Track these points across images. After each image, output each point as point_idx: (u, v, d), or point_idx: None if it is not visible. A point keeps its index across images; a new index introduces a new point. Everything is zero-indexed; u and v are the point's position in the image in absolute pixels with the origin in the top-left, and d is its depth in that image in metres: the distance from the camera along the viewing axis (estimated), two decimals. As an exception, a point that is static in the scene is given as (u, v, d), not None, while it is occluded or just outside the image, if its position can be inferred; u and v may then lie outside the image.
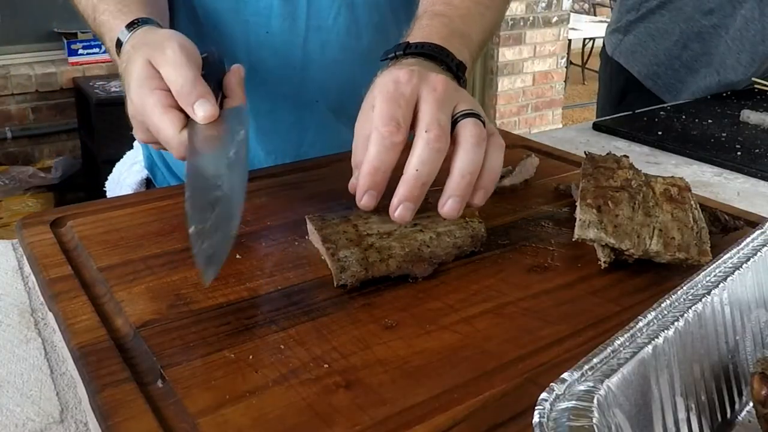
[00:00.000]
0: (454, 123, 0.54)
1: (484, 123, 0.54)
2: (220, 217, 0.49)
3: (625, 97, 1.44)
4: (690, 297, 0.39)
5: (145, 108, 0.53)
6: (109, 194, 0.94)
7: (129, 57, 0.57)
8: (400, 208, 0.51)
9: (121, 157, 0.98)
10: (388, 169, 0.52)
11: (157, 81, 0.54)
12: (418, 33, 0.63)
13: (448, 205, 0.52)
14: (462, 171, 0.52)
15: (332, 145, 0.84)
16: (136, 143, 0.96)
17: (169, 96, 0.54)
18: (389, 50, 0.62)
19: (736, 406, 0.40)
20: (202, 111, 0.53)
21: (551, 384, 0.31)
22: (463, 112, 0.54)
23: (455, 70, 0.60)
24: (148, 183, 0.93)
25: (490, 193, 0.54)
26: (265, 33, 0.79)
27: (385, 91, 0.53)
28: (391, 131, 0.51)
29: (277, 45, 0.79)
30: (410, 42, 0.61)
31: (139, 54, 0.56)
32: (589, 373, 0.32)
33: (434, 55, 0.59)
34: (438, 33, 0.63)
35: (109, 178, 0.96)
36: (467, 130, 0.53)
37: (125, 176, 0.93)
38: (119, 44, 0.61)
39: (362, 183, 0.52)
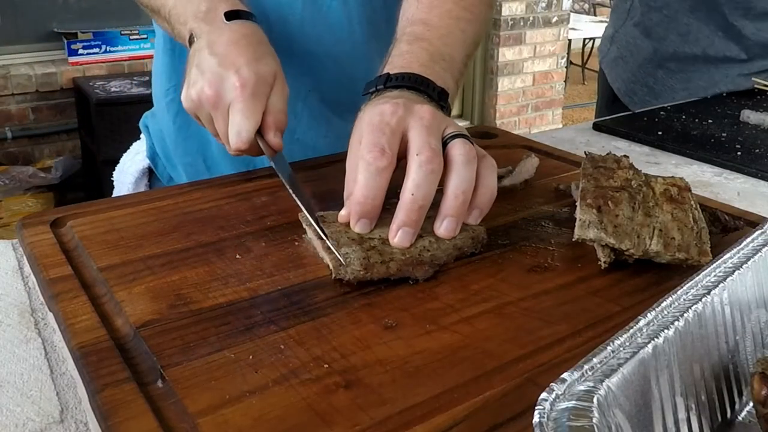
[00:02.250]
0: (444, 145, 0.55)
1: (472, 144, 0.55)
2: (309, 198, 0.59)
3: (618, 99, 1.45)
4: (690, 297, 0.39)
5: (255, 95, 0.60)
6: (115, 182, 0.98)
7: (250, 40, 0.64)
8: (399, 233, 0.52)
9: (121, 156, 1.02)
10: (378, 195, 0.53)
11: (269, 90, 0.62)
12: (398, 61, 0.63)
13: (443, 226, 0.54)
14: (455, 191, 0.53)
15: (326, 134, 0.86)
16: (143, 135, 0.99)
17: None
18: (370, 83, 0.62)
19: (736, 406, 0.40)
20: (278, 140, 0.63)
21: (551, 384, 0.31)
22: (452, 134, 0.55)
23: (437, 99, 0.60)
24: (150, 172, 0.96)
25: (485, 213, 0.56)
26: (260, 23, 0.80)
27: (370, 124, 0.54)
28: (375, 156, 0.52)
29: (272, 36, 0.80)
30: (391, 74, 0.61)
31: (270, 59, 0.64)
32: (589, 373, 0.32)
33: (415, 86, 0.60)
34: (418, 60, 0.63)
35: (116, 168, 1.00)
36: (456, 149, 0.54)
37: (129, 165, 0.97)
38: (232, 16, 0.66)
39: (354, 211, 0.54)
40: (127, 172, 0.96)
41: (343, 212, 0.55)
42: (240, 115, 0.60)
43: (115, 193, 0.97)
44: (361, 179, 0.53)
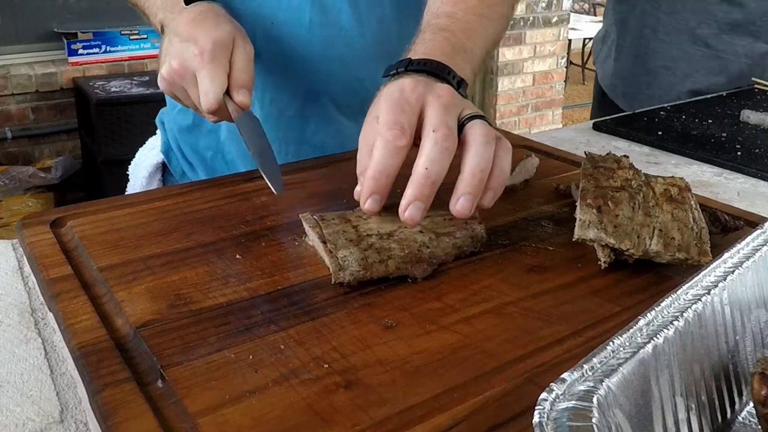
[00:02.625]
0: (461, 126, 0.54)
1: (490, 125, 0.55)
2: (267, 149, 0.64)
3: (607, 96, 1.47)
4: (690, 297, 0.39)
5: (215, 58, 0.64)
6: (130, 176, 1.00)
7: (206, 15, 0.68)
8: (410, 208, 0.51)
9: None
10: (392, 173, 0.52)
11: (229, 53, 0.66)
12: (421, 48, 0.64)
13: (460, 203, 0.52)
14: (473, 169, 0.52)
15: (334, 135, 0.87)
16: (158, 131, 1.00)
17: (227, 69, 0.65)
18: (391, 66, 0.62)
19: (736, 406, 0.40)
20: (242, 98, 0.65)
21: (551, 384, 0.31)
22: (469, 115, 0.55)
23: (457, 87, 0.60)
24: (163, 167, 0.97)
25: (499, 195, 0.55)
26: (270, 24, 0.80)
27: (390, 99, 0.54)
28: (395, 135, 0.52)
29: (281, 37, 0.81)
30: (413, 58, 0.61)
31: (226, 25, 0.68)
32: (589, 373, 0.32)
33: (436, 72, 0.60)
34: (441, 49, 0.63)
35: (131, 162, 1.01)
36: (476, 129, 0.54)
37: (143, 159, 0.98)
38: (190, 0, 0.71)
39: (366, 186, 0.53)
40: (142, 166, 0.97)
41: (358, 188, 0.55)
42: (205, 79, 0.63)
43: (130, 186, 0.99)
44: (378, 155, 0.52)
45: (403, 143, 0.52)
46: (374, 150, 0.52)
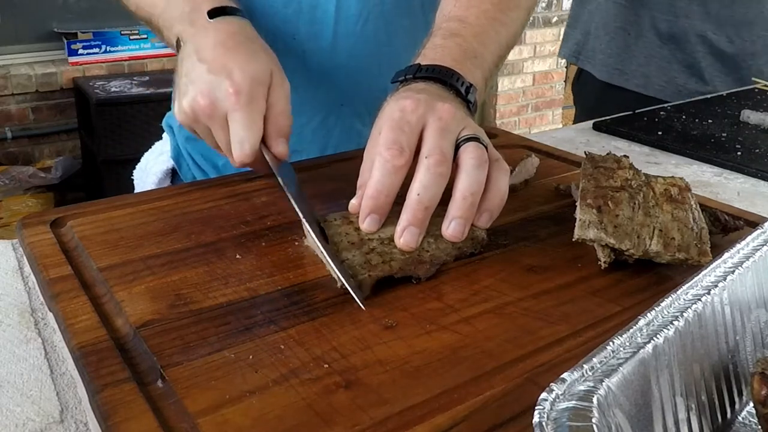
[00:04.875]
0: (457, 148, 0.54)
1: (486, 148, 0.55)
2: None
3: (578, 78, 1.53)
4: (690, 297, 0.39)
5: (252, 101, 0.58)
6: (136, 182, 0.96)
7: (238, 39, 0.61)
8: (405, 234, 0.52)
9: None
10: (391, 192, 0.53)
11: (266, 92, 0.59)
12: (431, 53, 0.63)
13: (451, 227, 0.53)
14: (463, 192, 0.53)
15: (356, 147, 0.85)
16: (165, 135, 0.97)
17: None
18: (400, 72, 0.62)
19: (736, 406, 0.40)
20: (282, 147, 0.60)
21: (551, 384, 0.31)
22: (465, 137, 0.55)
23: (465, 94, 0.60)
24: (173, 173, 0.94)
25: (496, 216, 0.56)
26: (292, 39, 0.79)
27: (391, 119, 0.54)
28: (393, 154, 0.52)
29: (304, 50, 0.80)
30: (421, 65, 0.61)
31: (262, 55, 0.61)
32: (589, 373, 0.32)
33: (444, 79, 0.60)
34: (450, 54, 0.63)
35: (136, 167, 0.98)
36: (467, 153, 0.54)
37: (151, 165, 0.94)
38: (217, 13, 0.63)
39: (365, 206, 0.53)
40: (150, 172, 0.93)
41: (353, 201, 0.55)
42: (239, 125, 0.57)
43: (137, 191, 0.94)
44: (377, 175, 0.52)
45: (401, 162, 0.52)
46: (373, 169, 0.53)
